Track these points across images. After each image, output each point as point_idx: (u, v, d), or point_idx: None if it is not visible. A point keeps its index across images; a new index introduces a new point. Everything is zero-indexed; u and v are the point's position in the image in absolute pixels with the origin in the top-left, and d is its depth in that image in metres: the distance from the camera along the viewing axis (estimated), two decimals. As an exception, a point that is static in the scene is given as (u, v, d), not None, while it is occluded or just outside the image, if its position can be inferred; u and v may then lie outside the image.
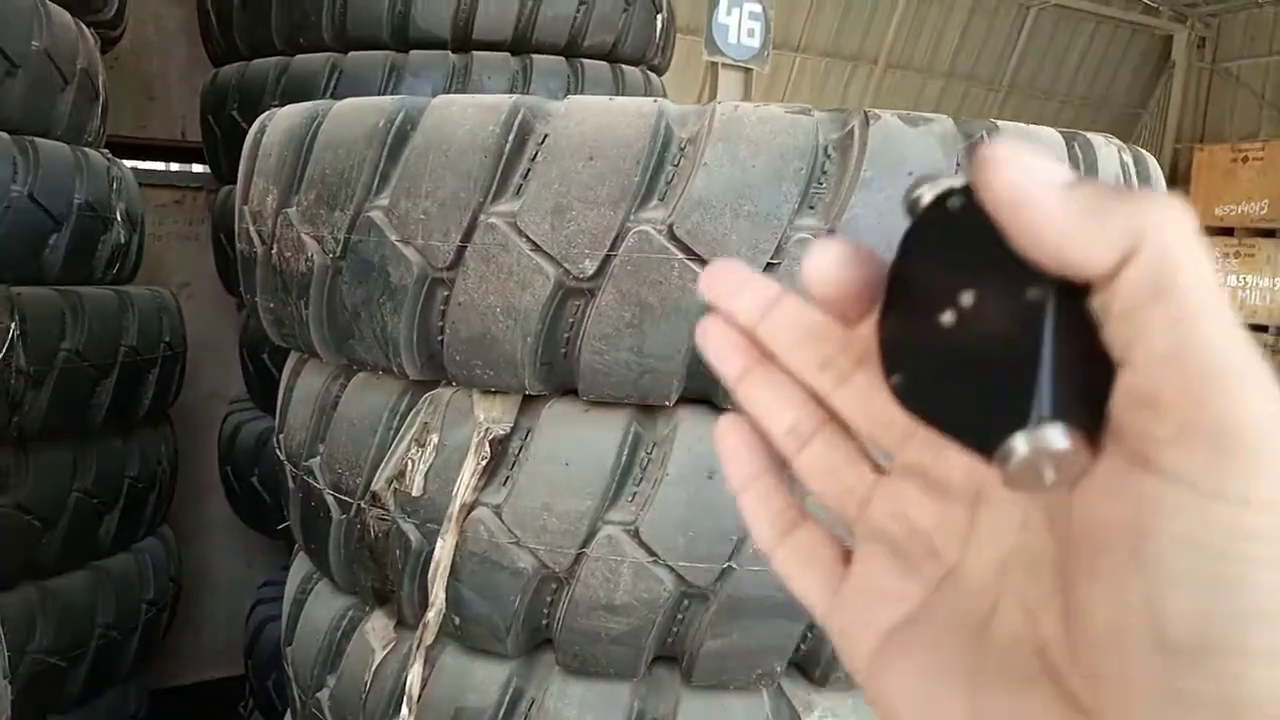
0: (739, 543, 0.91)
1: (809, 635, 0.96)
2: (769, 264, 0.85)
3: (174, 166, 3.06)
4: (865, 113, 0.90)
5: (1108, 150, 1.04)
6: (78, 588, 1.80)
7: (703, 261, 0.85)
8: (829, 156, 0.88)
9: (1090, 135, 1.04)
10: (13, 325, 1.59)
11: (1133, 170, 1.08)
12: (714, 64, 4.33)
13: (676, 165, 0.86)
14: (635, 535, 0.92)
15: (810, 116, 0.88)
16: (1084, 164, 1.00)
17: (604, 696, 0.97)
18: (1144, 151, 1.16)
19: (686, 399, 0.93)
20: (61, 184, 1.71)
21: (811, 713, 0.98)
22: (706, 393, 0.92)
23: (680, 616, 0.94)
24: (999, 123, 0.95)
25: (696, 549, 0.91)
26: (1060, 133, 1.01)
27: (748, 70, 4.40)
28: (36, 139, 1.68)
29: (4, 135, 1.62)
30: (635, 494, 0.93)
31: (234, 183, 2.01)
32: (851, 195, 0.86)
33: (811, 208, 0.87)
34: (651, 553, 0.92)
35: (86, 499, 1.80)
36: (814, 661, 0.98)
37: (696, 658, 0.95)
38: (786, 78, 9.06)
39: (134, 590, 1.94)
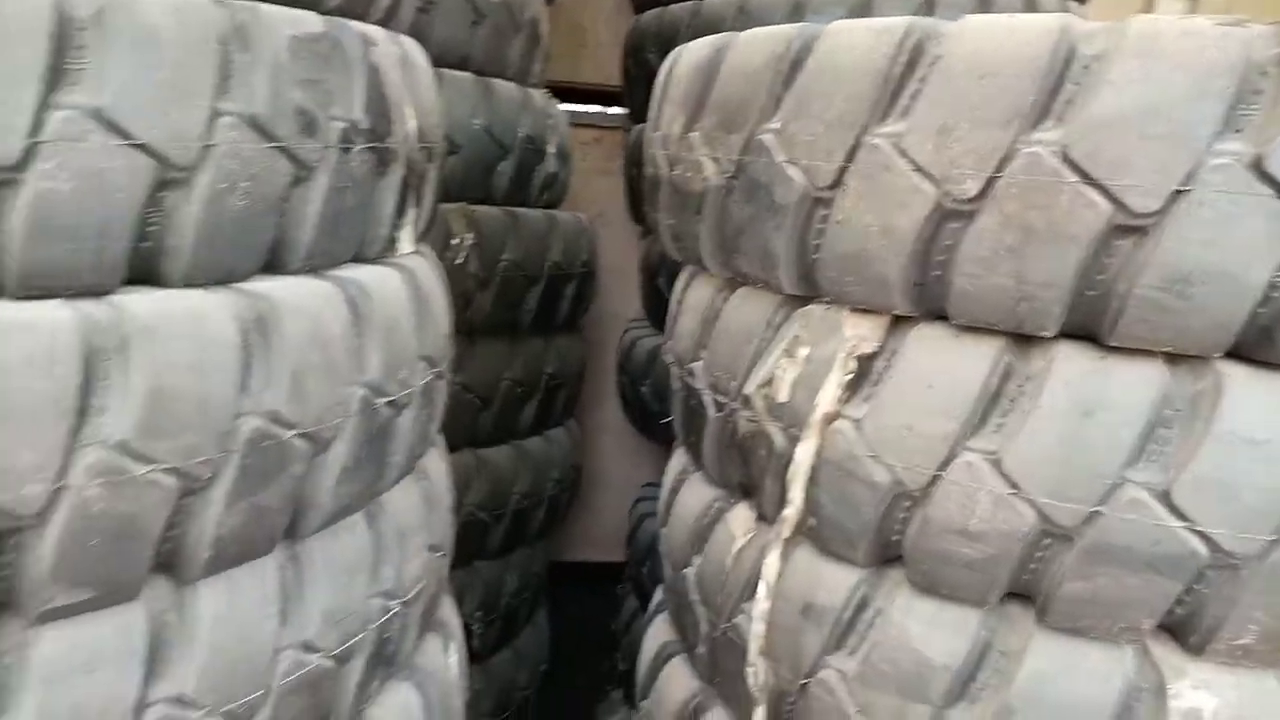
0: (1114, 487, 0.85)
1: (1187, 598, 0.87)
2: (1178, 191, 0.77)
3: (594, 109, 3.34)
4: (1319, 24, 0.77)
5: None
6: (503, 459, 2.11)
7: (1098, 186, 0.79)
8: (1265, 74, 0.77)
9: None
10: (469, 237, 1.88)
11: None
12: (1148, -9, 3.80)
13: (1078, 83, 0.80)
14: (997, 465, 0.89)
15: (1245, 30, 0.77)
16: None
17: (952, 619, 0.96)
18: None
19: (1068, 332, 0.88)
20: (510, 119, 1.97)
21: (1181, 680, 0.89)
22: (1091, 327, 0.86)
23: (1039, 554, 0.90)
24: None
25: (1064, 488, 0.87)
26: None
27: (1190, -5, 3.81)
28: (493, 79, 1.95)
29: (470, 75, 1.90)
30: (1001, 425, 0.90)
31: (646, 120, 2.17)
32: (1292, 118, 0.75)
33: (1238, 130, 0.76)
34: (1013, 485, 0.89)
35: (514, 387, 2.10)
36: (1191, 627, 0.89)
37: (1053, 598, 0.91)
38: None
39: (544, 468, 2.23)
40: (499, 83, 1.97)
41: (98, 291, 0.81)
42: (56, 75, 0.73)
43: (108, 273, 0.81)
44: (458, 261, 1.86)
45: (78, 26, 0.74)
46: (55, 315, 0.76)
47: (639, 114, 2.54)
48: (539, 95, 2.11)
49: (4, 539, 0.75)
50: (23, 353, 0.74)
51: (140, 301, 0.82)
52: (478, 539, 2.10)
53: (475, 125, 1.88)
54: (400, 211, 1.12)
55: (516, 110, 1.99)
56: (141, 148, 0.78)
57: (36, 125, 0.72)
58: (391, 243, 1.13)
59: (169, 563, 0.88)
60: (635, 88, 2.50)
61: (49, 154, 0.73)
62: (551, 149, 2.10)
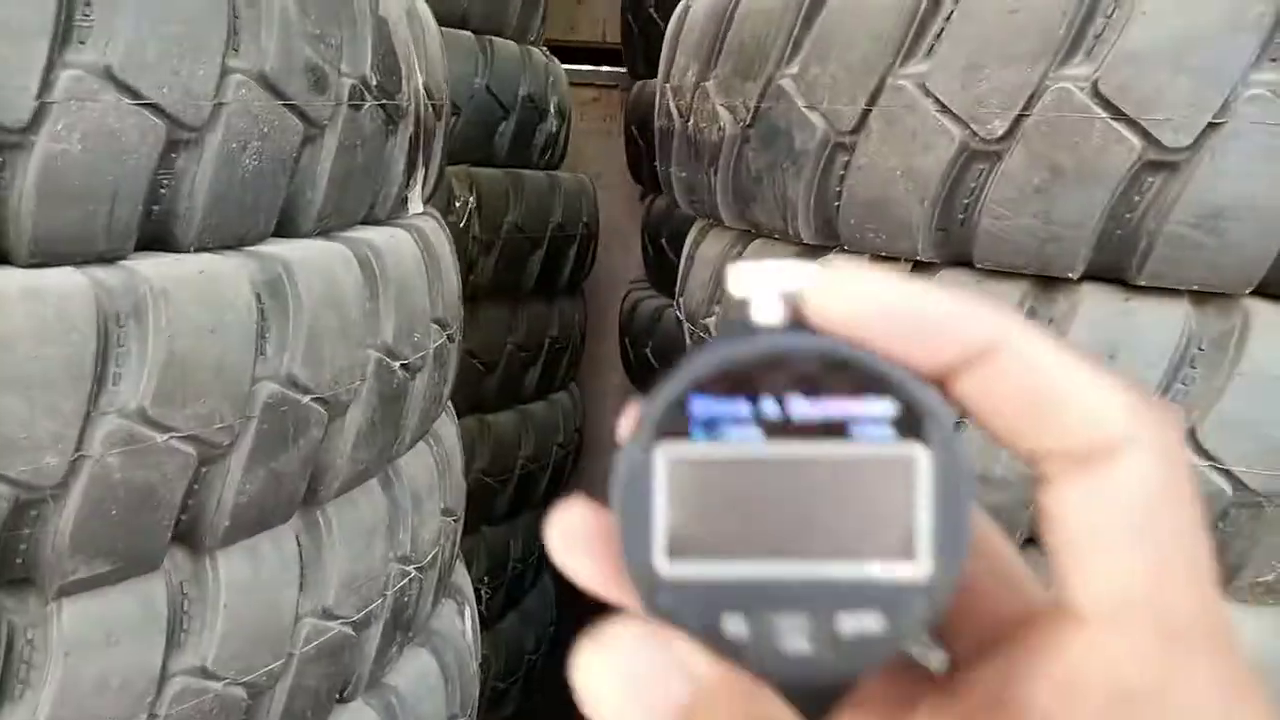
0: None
1: (1210, 538, 0.87)
2: (1211, 124, 0.76)
3: (591, 68, 3.30)
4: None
5: None
6: (508, 424, 2.11)
7: (1129, 121, 0.78)
8: (1301, 0, 0.76)
9: None
10: (471, 199, 1.86)
11: None
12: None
13: (1109, 16, 0.79)
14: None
15: (1281, -45, 0.76)
16: None
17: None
18: None
19: (1093, 274, 0.87)
20: (510, 78, 1.94)
21: None
22: (1118, 268, 0.86)
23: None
24: None
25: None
26: None
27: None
28: (493, 38, 1.92)
29: (469, 35, 1.87)
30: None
31: (647, 78, 2.14)
32: (1327, 46, 0.74)
33: (1274, 60, 0.75)
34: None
35: (517, 351, 2.09)
36: (1216, 566, 0.89)
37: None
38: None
39: (549, 432, 2.23)
40: (499, 41, 1.95)
41: (109, 257, 0.80)
42: (65, 33, 0.71)
43: (119, 237, 0.80)
44: (460, 225, 1.85)
45: (80, -20, 0.72)
46: (68, 281, 0.75)
47: (638, 70, 2.51)
48: (538, 53, 2.09)
49: (24, 511, 0.75)
50: (37, 321, 0.72)
51: (153, 266, 0.80)
52: (485, 505, 2.10)
53: (476, 85, 1.86)
54: (410, 171, 1.10)
55: (517, 69, 1.96)
56: (152, 107, 0.76)
57: (45, 85, 0.70)
58: (402, 203, 1.12)
59: (188, 532, 0.87)
60: (635, 43, 2.47)
61: (58, 115, 0.71)
62: (552, 109, 2.08)
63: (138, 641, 0.83)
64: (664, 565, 0.25)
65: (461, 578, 1.44)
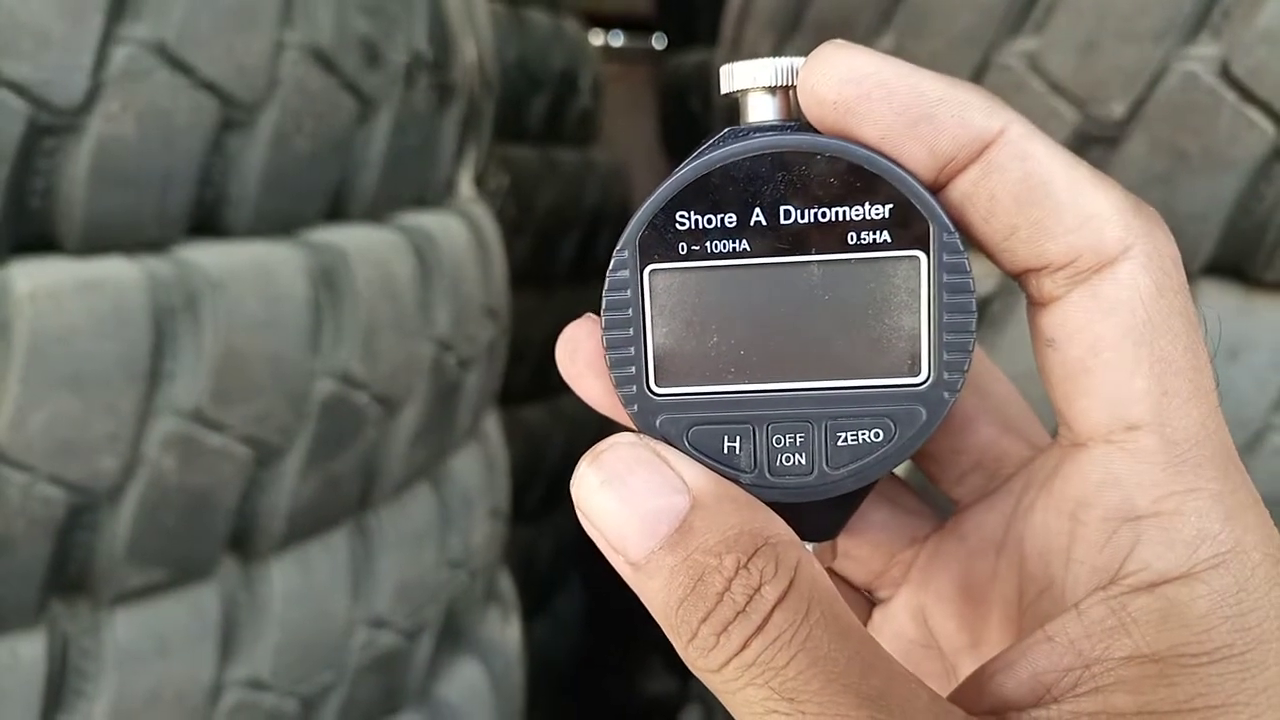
0: (1259, 433, 0.83)
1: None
2: (1353, 107, 0.74)
3: (620, 40, 3.26)
4: None
5: None
6: (538, 417, 2.10)
7: (1262, 106, 0.76)
8: None
9: None
10: (504, 180, 1.84)
11: None
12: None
13: (1240, -9, 0.77)
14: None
15: None
16: None
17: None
18: None
19: (1212, 269, 0.85)
20: (543, 51, 1.92)
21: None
22: (1239, 263, 0.84)
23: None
24: None
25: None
26: None
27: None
28: (524, 8, 1.89)
29: (500, 4, 1.84)
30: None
31: (683, 46, 2.11)
32: None
33: None
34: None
35: (548, 341, 2.07)
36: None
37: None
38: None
39: (581, 425, 2.22)
40: (531, 12, 1.92)
41: (159, 244, 0.78)
42: (118, 4, 0.69)
43: (170, 224, 0.78)
44: (497, 209, 1.83)
45: (137, -52, 0.70)
46: (123, 273, 0.73)
47: (676, 41, 2.47)
48: (571, 25, 2.06)
49: (78, 517, 0.73)
50: (92, 314, 0.71)
51: (207, 255, 0.79)
52: (515, 501, 2.09)
53: (507, 58, 1.83)
54: (460, 151, 1.08)
55: (549, 41, 1.93)
56: (206, 85, 0.74)
57: (100, 62, 0.68)
58: (451, 186, 1.10)
59: (241, 539, 0.86)
60: (672, 12, 2.43)
61: (112, 94, 0.69)
62: (585, 83, 2.05)
63: (190, 652, 0.82)
64: (656, 388, 0.25)
65: (504, 583, 1.43)
